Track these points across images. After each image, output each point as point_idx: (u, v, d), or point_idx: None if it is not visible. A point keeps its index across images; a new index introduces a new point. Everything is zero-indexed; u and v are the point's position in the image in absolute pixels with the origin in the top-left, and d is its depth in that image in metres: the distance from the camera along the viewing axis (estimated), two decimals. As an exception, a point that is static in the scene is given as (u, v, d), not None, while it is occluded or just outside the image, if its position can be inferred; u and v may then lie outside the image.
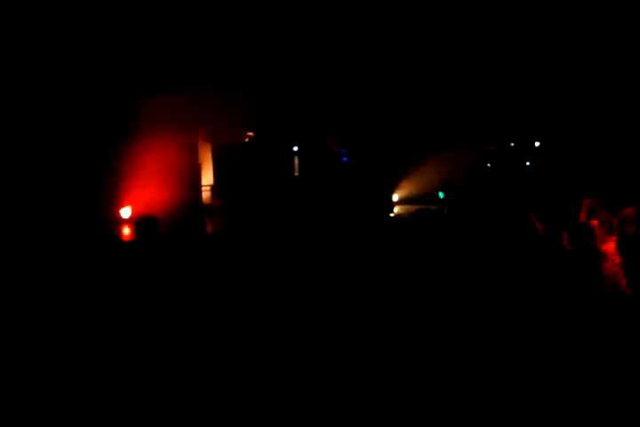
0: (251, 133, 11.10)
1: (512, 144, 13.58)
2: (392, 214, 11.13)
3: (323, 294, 5.48)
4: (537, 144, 13.64)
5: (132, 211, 11.35)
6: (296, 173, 10.59)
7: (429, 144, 12.88)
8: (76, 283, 5.62)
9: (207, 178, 12.09)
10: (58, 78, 10.32)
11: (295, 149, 10.58)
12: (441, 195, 12.47)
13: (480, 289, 4.83)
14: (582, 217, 5.70)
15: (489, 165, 13.28)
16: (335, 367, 4.46)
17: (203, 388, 4.38)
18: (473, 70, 12.95)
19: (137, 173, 11.19)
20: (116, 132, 10.89)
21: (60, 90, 10.34)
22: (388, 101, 12.80)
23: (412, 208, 11.88)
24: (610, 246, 5.27)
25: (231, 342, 4.79)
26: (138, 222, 6.66)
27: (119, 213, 11.18)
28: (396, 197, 12.20)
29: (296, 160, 10.54)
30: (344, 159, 10.93)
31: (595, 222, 5.53)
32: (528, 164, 13.73)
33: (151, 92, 10.85)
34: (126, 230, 10.23)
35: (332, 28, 12.28)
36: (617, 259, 5.14)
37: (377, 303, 5.05)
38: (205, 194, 12.28)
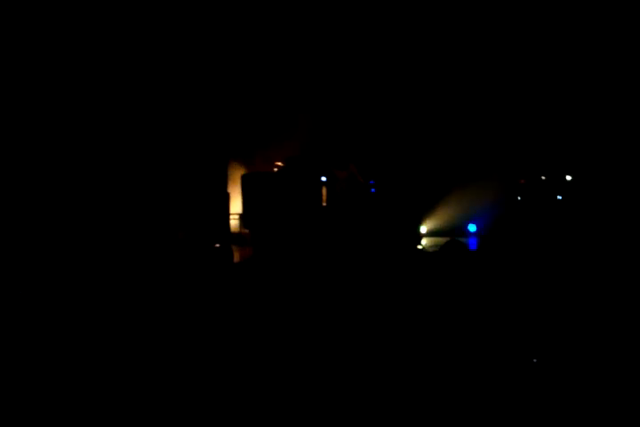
0: (279, 163, 11.17)
1: (543, 177, 13.43)
2: (420, 246, 11.03)
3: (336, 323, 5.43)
4: (568, 178, 13.47)
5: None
6: (324, 204, 10.59)
7: (458, 176, 12.81)
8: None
9: (236, 206, 12.15)
10: None
11: (323, 179, 10.59)
12: (472, 227, 12.35)
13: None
14: None
15: (519, 198, 13.13)
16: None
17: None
18: (504, 103, 12.91)
19: None
20: None
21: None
22: (417, 133, 12.80)
23: (441, 240, 11.79)
24: None
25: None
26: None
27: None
28: (424, 229, 12.10)
29: (324, 190, 10.54)
30: (372, 190, 10.91)
31: None
32: (559, 197, 13.54)
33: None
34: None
35: (364, 64, 12.45)
36: None
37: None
38: (234, 222, 12.32)
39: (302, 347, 5.16)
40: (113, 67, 11.02)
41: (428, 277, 6.81)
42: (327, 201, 10.52)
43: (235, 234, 12.09)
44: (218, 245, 10.54)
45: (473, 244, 11.75)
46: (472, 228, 12.56)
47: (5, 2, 10.06)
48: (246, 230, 11.60)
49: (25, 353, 4.97)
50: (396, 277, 7.10)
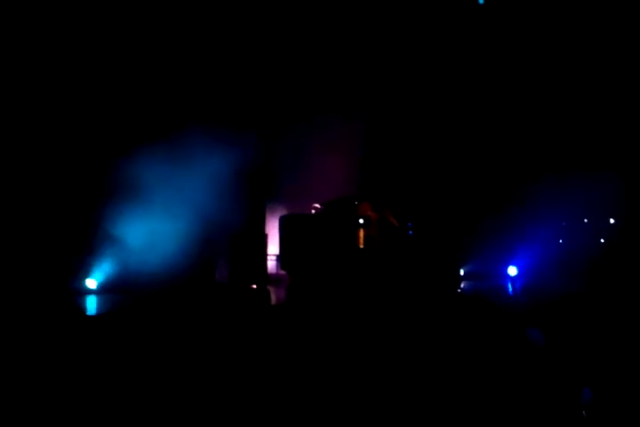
0: (317, 205, 11.24)
1: (585, 220, 13.22)
2: (459, 290, 10.89)
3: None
4: (612, 221, 13.23)
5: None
6: (361, 246, 10.58)
7: (498, 217, 12.70)
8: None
9: (274, 247, 12.22)
10: None
11: (361, 221, 10.61)
12: (512, 270, 12.14)
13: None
14: None
15: (560, 241, 12.93)
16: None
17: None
18: (546, 149, 12.84)
19: None
20: None
21: None
22: (456, 176, 12.78)
23: (480, 283, 11.61)
24: None
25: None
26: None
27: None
28: (462, 272, 11.96)
29: (361, 233, 10.55)
30: (410, 233, 10.88)
31: None
32: (602, 241, 13.27)
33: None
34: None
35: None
36: None
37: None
38: (271, 264, 12.38)
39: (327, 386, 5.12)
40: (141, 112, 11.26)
41: (465, 322, 6.70)
42: (363, 244, 10.52)
43: (271, 275, 12.13)
44: (254, 286, 10.58)
45: (511, 288, 11.57)
46: (512, 271, 12.38)
47: None
48: (283, 272, 11.63)
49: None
50: (434, 322, 7.02)
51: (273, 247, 12.21)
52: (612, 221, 13.36)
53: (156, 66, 11.38)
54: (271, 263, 12.48)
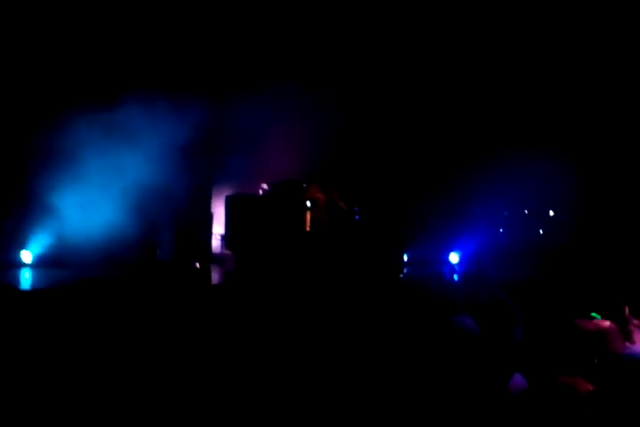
0: (265, 186, 11.15)
1: (526, 211, 13.51)
2: (401, 276, 11.06)
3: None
4: (551, 213, 13.54)
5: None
6: (308, 229, 10.59)
7: (443, 205, 12.86)
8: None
9: (219, 227, 12.11)
10: None
11: (309, 203, 10.61)
12: (454, 257, 12.36)
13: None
14: None
15: (501, 230, 13.21)
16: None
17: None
18: (490, 135, 13.00)
19: None
20: None
21: None
22: (403, 162, 12.84)
23: (424, 270, 11.80)
24: None
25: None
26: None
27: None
28: (406, 258, 12.11)
29: (308, 215, 10.55)
30: (356, 217, 10.94)
31: None
32: (542, 232, 13.61)
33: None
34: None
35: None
36: None
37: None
38: (215, 243, 12.28)
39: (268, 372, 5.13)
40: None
41: (406, 308, 6.81)
42: (310, 226, 10.53)
43: (216, 254, 12.05)
44: (197, 265, 10.47)
45: (453, 274, 11.80)
46: (453, 258, 12.62)
47: None
48: (228, 251, 11.57)
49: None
50: (374, 308, 7.10)
51: (218, 226, 12.10)
52: (551, 213, 13.69)
53: (89, 22, 10.62)
54: (216, 242, 12.36)
